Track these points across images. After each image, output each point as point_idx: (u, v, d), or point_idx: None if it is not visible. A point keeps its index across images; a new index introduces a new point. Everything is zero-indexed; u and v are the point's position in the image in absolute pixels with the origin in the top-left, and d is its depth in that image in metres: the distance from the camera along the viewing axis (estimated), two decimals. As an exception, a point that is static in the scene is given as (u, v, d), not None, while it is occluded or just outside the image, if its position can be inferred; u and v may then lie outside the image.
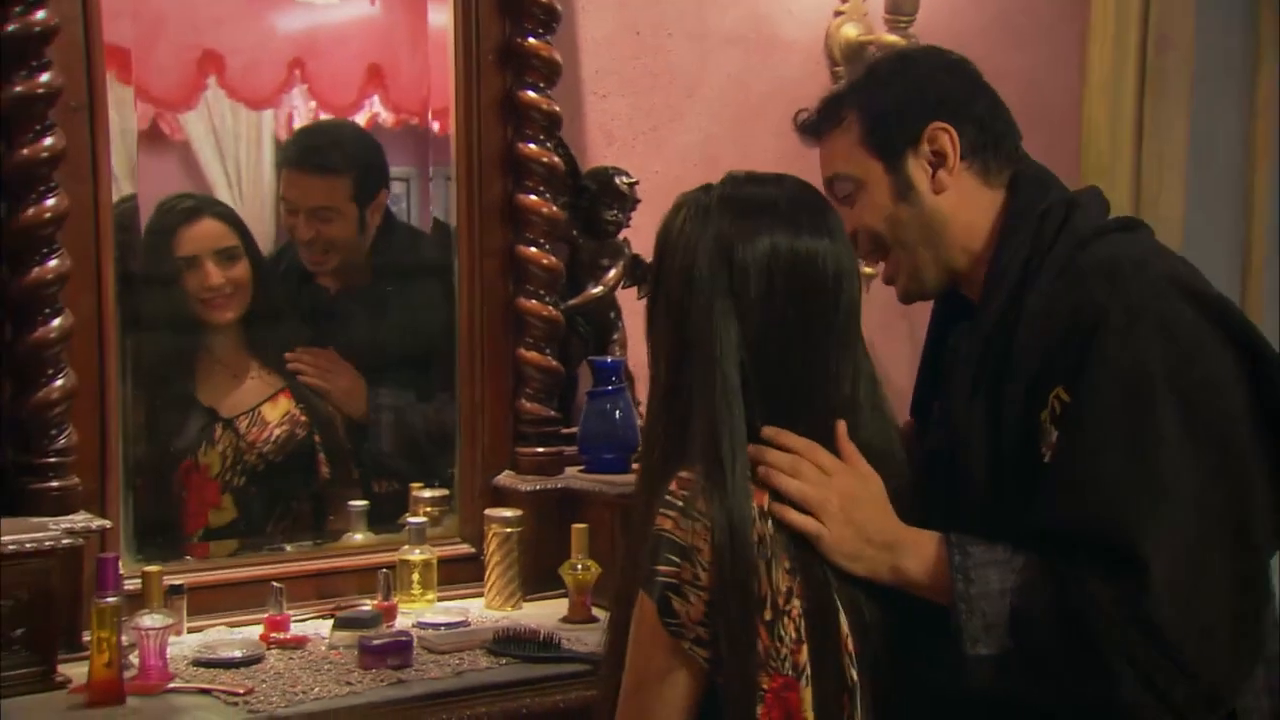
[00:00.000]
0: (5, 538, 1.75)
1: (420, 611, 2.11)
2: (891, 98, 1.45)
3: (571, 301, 2.40)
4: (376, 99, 2.39)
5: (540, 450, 2.30)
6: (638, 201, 2.45)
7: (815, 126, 1.50)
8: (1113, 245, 1.36)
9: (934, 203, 1.43)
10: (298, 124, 2.35)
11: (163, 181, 2.24)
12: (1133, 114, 3.17)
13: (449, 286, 2.32)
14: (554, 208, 2.30)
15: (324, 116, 2.38)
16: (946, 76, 1.47)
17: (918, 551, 1.30)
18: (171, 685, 1.79)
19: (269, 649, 1.93)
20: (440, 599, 2.17)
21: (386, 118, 2.40)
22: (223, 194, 2.28)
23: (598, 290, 2.42)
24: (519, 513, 2.21)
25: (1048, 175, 1.47)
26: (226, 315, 2.23)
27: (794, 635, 1.23)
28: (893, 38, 2.69)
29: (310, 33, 2.36)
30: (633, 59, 2.59)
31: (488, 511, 2.23)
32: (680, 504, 1.24)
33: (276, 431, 2.26)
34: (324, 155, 2.34)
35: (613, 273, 2.43)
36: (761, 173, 1.39)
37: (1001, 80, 3.16)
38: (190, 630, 1.99)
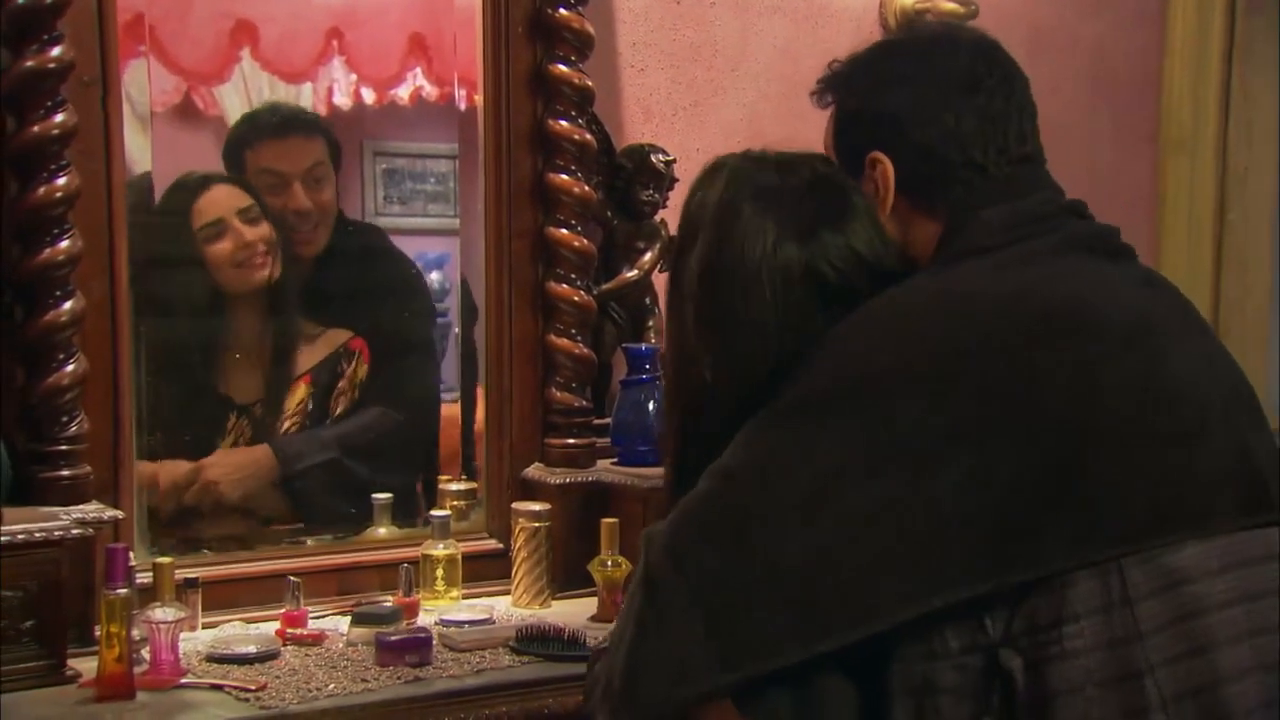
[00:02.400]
0: (13, 527, 1.80)
1: (444, 609, 2.14)
2: (852, 108, 1.41)
3: (605, 286, 2.42)
4: (419, 71, 2.42)
5: (571, 441, 2.33)
6: (675, 181, 2.47)
7: (817, 98, 1.48)
8: (933, 276, 1.31)
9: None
10: (338, 99, 2.39)
11: (196, 159, 2.30)
12: (1218, 81, 3.12)
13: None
14: (586, 187, 2.32)
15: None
16: (903, 93, 1.37)
17: None
18: (183, 680, 1.83)
19: (285, 645, 1.97)
20: (466, 596, 2.20)
21: (430, 91, 2.43)
22: (248, 172, 2.33)
23: (633, 274, 2.44)
24: (547, 506, 2.23)
25: (1002, 185, 1.35)
26: (265, 273, 2.28)
27: None
28: (951, 5, 2.68)
29: (348, 0, 2.38)
30: (672, 30, 2.60)
31: (515, 505, 2.26)
32: None
33: (289, 422, 2.30)
34: (297, 120, 2.37)
35: (648, 256, 2.45)
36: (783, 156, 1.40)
37: (1071, 48, 3.17)
38: (205, 625, 2.04)
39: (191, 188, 2.27)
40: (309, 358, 2.35)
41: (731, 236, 1.32)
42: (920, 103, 1.36)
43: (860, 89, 1.42)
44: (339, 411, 2.35)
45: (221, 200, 2.27)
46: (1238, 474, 1.21)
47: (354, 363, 2.36)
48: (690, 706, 1.19)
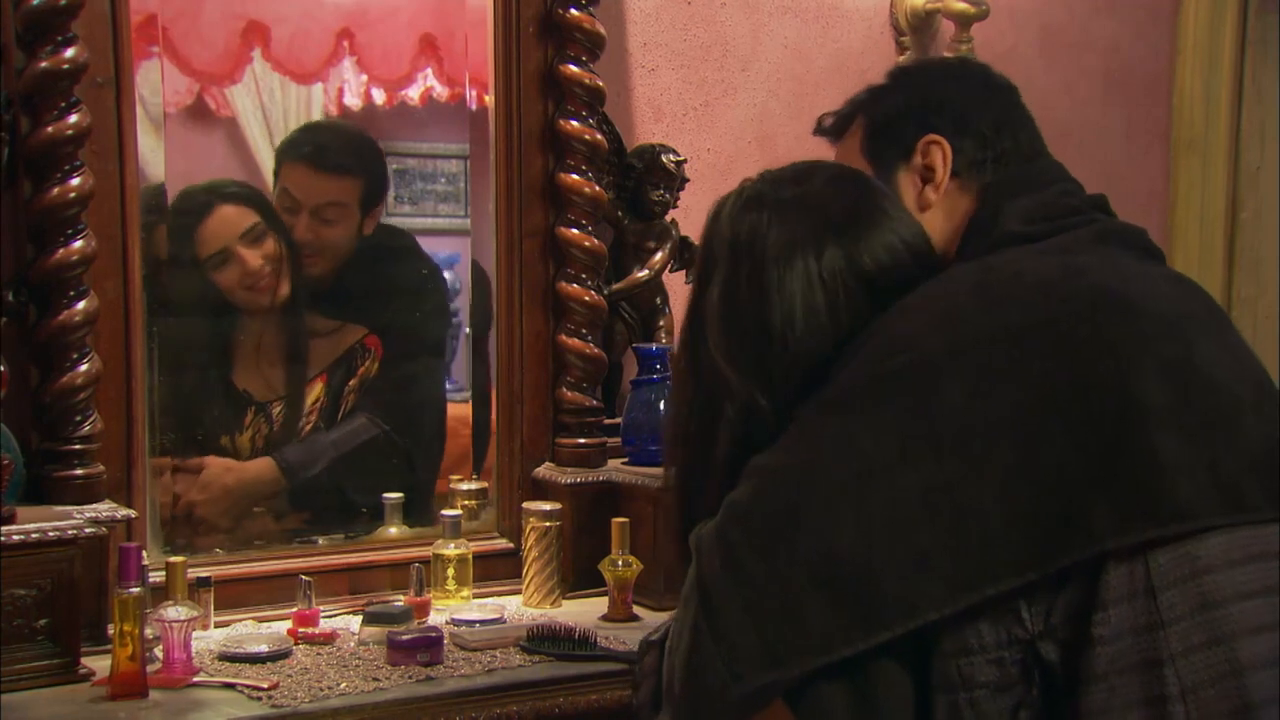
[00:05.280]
0: (27, 526, 1.81)
1: (455, 608, 2.15)
2: (892, 106, 1.46)
3: (616, 286, 2.42)
4: (430, 71, 2.43)
5: (581, 441, 2.33)
6: (686, 181, 2.47)
7: (833, 130, 1.52)
8: (977, 262, 1.33)
9: (917, 218, 1.41)
10: (348, 99, 2.40)
11: (208, 159, 2.31)
12: (1231, 80, 3.12)
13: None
14: (596, 187, 2.32)
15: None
16: (954, 86, 1.46)
17: None
18: (195, 679, 1.84)
19: (296, 644, 1.98)
20: (477, 596, 2.21)
21: (441, 92, 2.44)
22: (269, 175, 2.34)
23: (643, 274, 2.45)
24: (558, 506, 2.24)
25: (1026, 177, 1.41)
26: (278, 294, 2.29)
27: None
28: (961, 5, 2.68)
29: (359, 1, 2.39)
30: (683, 30, 2.61)
31: (525, 505, 2.27)
32: None
33: (306, 421, 2.31)
34: (337, 154, 2.38)
35: (659, 256, 2.45)
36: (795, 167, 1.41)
37: (1083, 47, 3.17)
38: (217, 624, 2.05)
39: (196, 210, 2.26)
40: (325, 355, 2.37)
41: (768, 256, 1.31)
42: (973, 94, 1.45)
43: (908, 89, 1.48)
44: (347, 408, 2.35)
45: (224, 228, 2.27)
46: (1266, 466, 1.22)
47: (368, 360, 2.37)
48: (748, 707, 1.19)
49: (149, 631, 1.84)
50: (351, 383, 2.36)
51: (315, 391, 2.35)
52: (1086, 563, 1.16)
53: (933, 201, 1.41)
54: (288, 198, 2.33)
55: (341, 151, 2.40)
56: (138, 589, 1.79)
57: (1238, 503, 1.19)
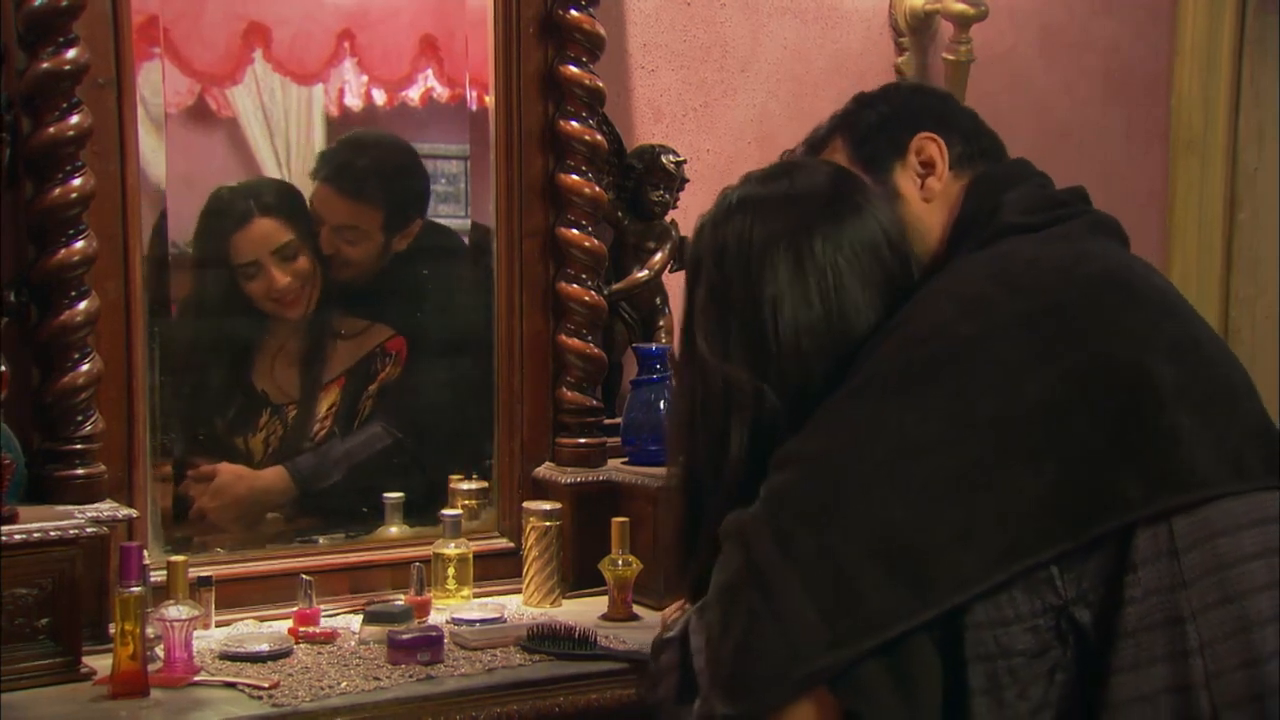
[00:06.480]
0: (29, 526, 1.81)
1: (455, 607, 2.15)
2: (876, 115, 1.53)
3: (616, 286, 2.43)
4: (430, 72, 2.43)
5: (581, 441, 2.34)
6: (686, 181, 2.48)
7: (816, 145, 1.57)
8: (987, 252, 1.39)
9: (920, 210, 1.47)
10: (349, 100, 2.40)
11: (209, 160, 2.31)
12: (1229, 81, 3.13)
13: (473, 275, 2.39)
14: (597, 188, 2.32)
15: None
16: (925, 98, 1.57)
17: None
18: (196, 678, 1.84)
19: (297, 643, 1.99)
20: (477, 595, 2.21)
21: (441, 92, 2.44)
22: (271, 174, 2.35)
23: (643, 274, 2.45)
24: (558, 506, 2.24)
25: (1010, 172, 1.49)
26: (301, 310, 2.30)
27: None
28: (961, 6, 2.68)
29: (360, 2, 2.40)
30: (683, 31, 2.61)
31: (526, 505, 2.27)
32: None
33: (319, 426, 2.32)
34: (359, 181, 2.37)
35: (659, 256, 2.45)
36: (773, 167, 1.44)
37: (1084, 48, 3.17)
38: (219, 624, 2.05)
39: (235, 216, 2.27)
40: (347, 358, 2.36)
41: (755, 248, 1.34)
42: (947, 104, 1.56)
43: (888, 101, 1.56)
44: (363, 415, 2.35)
45: (258, 240, 2.27)
46: (1262, 436, 1.30)
47: (388, 365, 2.37)
48: (802, 690, 1.21)
49: (150, 631, 1.84)
50: (370, 388, 2.35)
51: (331, 396, 2.34)
52: (1115, 530, 1.22)
53: (937, 191, 1.47)
54: (314, 211, 2.34)
55: (367, 176, 2.39)
56: (139, 588, 1.79)
57: (1242, 471, 1.26)
